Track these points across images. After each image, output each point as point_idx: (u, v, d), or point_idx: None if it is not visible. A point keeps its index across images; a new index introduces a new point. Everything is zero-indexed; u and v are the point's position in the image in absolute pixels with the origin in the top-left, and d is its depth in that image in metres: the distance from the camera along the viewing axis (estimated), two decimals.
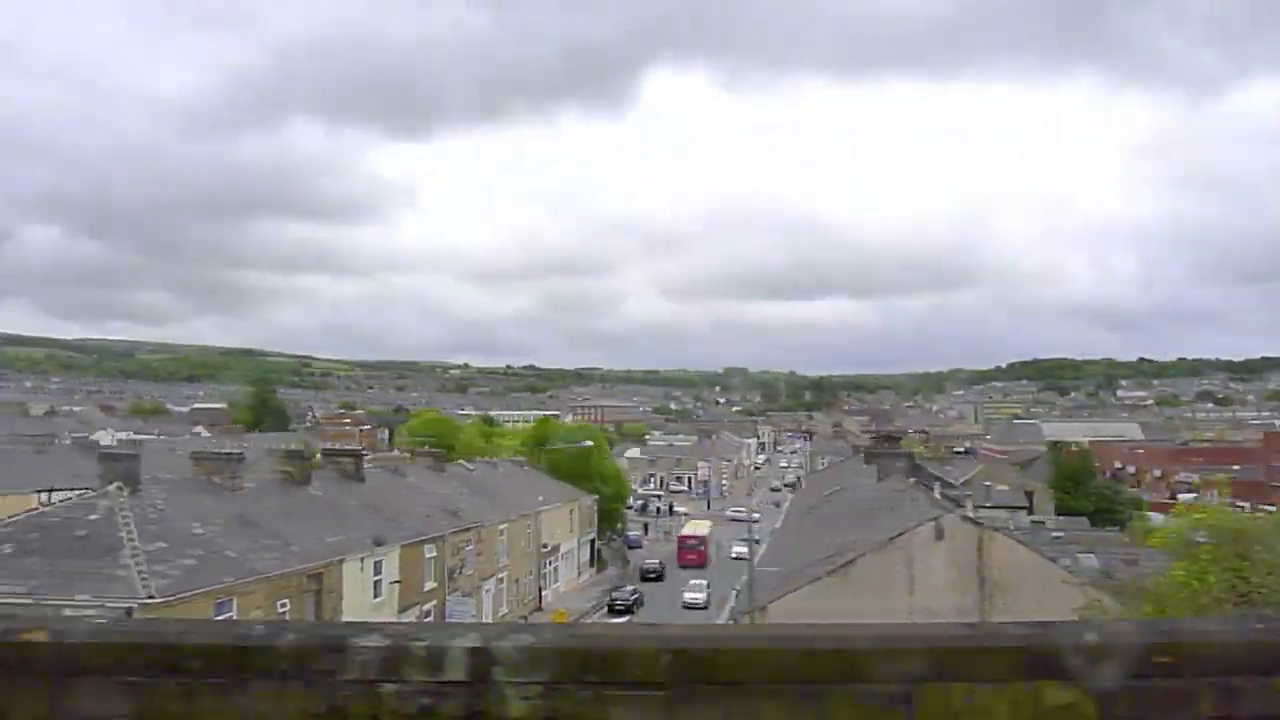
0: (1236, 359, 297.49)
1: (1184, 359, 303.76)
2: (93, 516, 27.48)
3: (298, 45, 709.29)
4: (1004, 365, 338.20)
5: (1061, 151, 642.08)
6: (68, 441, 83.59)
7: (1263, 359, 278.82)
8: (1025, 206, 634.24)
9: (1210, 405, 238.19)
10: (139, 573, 24.76)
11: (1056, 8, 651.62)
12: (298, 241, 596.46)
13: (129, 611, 23.55)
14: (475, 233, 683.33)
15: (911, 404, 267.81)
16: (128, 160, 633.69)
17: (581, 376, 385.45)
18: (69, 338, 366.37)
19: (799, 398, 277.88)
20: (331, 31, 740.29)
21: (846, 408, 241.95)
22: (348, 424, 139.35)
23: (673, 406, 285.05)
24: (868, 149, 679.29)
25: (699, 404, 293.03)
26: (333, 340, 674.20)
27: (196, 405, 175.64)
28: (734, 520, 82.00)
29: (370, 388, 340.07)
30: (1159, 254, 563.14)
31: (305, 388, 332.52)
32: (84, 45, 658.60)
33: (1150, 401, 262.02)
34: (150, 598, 23.75)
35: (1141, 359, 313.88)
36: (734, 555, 68.24)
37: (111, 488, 28.98)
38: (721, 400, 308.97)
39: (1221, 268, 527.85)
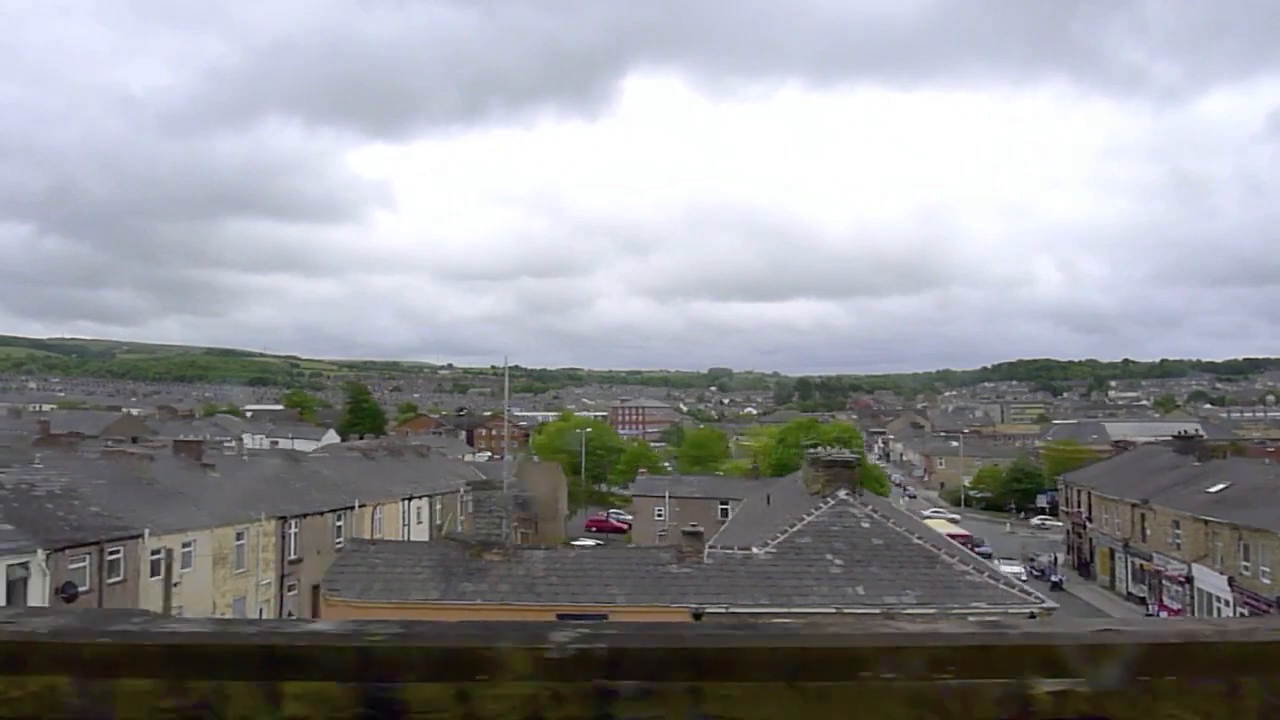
0: (1216, 360, 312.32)
1: (1167, 360, 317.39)
2: (849, 524, 28.08)
3: (274, 44, 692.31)
4: (990, 366, 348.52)
5: (1031, 157, 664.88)
6: (255, 446, 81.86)
7: (1246, 360, 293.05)
8: (999, 211, 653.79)
9: (1207, 405, 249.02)
10: (988, 579, 25.57)
11: (1025, 19, 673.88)
12: (272, 241, 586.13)
13: (1031, 617, 24.45)
14: (451, 234, 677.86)
15: (927, 404, 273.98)
16: (100, 159, 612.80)
17: (574, 377, 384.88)
18: (42, 337, 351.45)
19: (808, 398, 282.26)
20: (309, 31, 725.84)
21: (874, 407, 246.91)
22: (436, 428, 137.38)
23: (682, 408, 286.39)
24: (842, 153, 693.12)
25: (707, 405, 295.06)
26: (307, 340, 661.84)
27: (248, 406, 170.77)
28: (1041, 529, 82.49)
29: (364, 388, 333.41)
30: (1126, 257, 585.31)
31: (296, 387, 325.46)
32: (56, 43, 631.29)
33: (1144, 402, 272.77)
34: (1042, 602, 24.64)
35: (1126, 360, 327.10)
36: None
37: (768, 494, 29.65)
38: (725, 401, 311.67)
39: (1186, 271, 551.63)
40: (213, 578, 36.06)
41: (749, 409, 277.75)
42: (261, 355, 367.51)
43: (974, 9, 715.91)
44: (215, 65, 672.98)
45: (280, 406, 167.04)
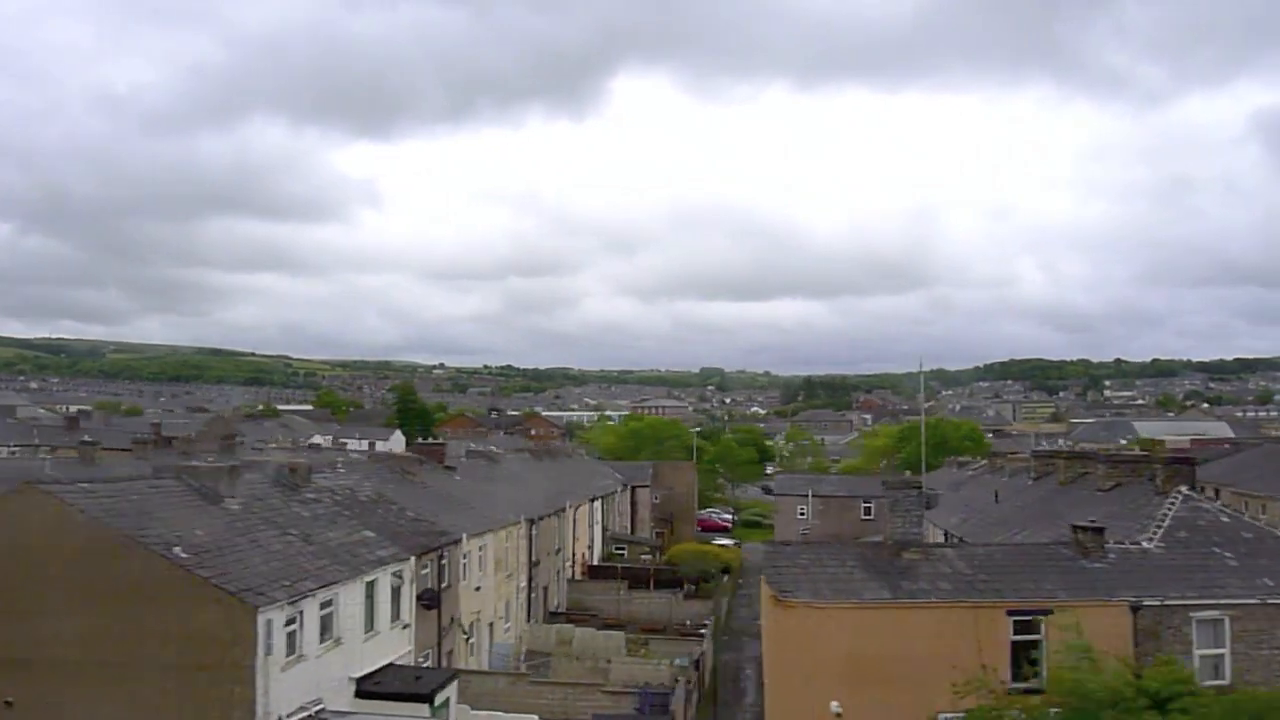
0: (1201, 359, 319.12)
1: (1159, 359, 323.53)
2: (1209, 518, 28.51)
3: (259, 42, 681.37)
4: (983, 365, 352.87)
5: (1015, 158, 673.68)
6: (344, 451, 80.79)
7: (1236, 360, 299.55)
8: (983, 212, 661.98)
9: (1205, 405, 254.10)
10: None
11: (1009, 22, 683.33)
12: (257, 241, 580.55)
13: None
14: (438, 233, 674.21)
15: (933, 403, 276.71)
16: (83, 157, 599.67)
17: (569, 377, 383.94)
18: (25, 337, 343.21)
19: (814, 397, 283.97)
20: (295, 28, 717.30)
21: (889, 406, 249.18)
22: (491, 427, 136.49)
23: (687, 407, 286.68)
24: (829, 154, 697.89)
25: (712, 405, 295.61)
26: (292, 339, 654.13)
27: (281, 407, 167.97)
28: None
29: (360, 388, 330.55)
30: (1108, 258, 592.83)
31: (293, 387, 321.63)
32: (36, 40, 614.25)
33: (1140, 401, 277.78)
34: None
35: (1118, 360, 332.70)
36: None
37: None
38: (728, 400, 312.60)
39: (1168, 272, 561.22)
40: (494, 580, 35.73)
41: (755, 408, 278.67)
42: (252, 355, 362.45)
43: (958, 12, 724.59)
44: (200, 63, 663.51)
45: (309, 407, 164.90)
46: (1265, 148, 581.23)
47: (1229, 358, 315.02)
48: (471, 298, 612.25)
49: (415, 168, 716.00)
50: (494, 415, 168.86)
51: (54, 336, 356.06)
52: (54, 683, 19.81)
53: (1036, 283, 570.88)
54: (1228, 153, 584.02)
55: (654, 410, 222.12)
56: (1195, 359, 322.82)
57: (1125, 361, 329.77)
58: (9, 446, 70.31)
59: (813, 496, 63.95)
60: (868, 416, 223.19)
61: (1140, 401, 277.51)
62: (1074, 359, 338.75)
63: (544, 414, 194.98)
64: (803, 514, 64.08)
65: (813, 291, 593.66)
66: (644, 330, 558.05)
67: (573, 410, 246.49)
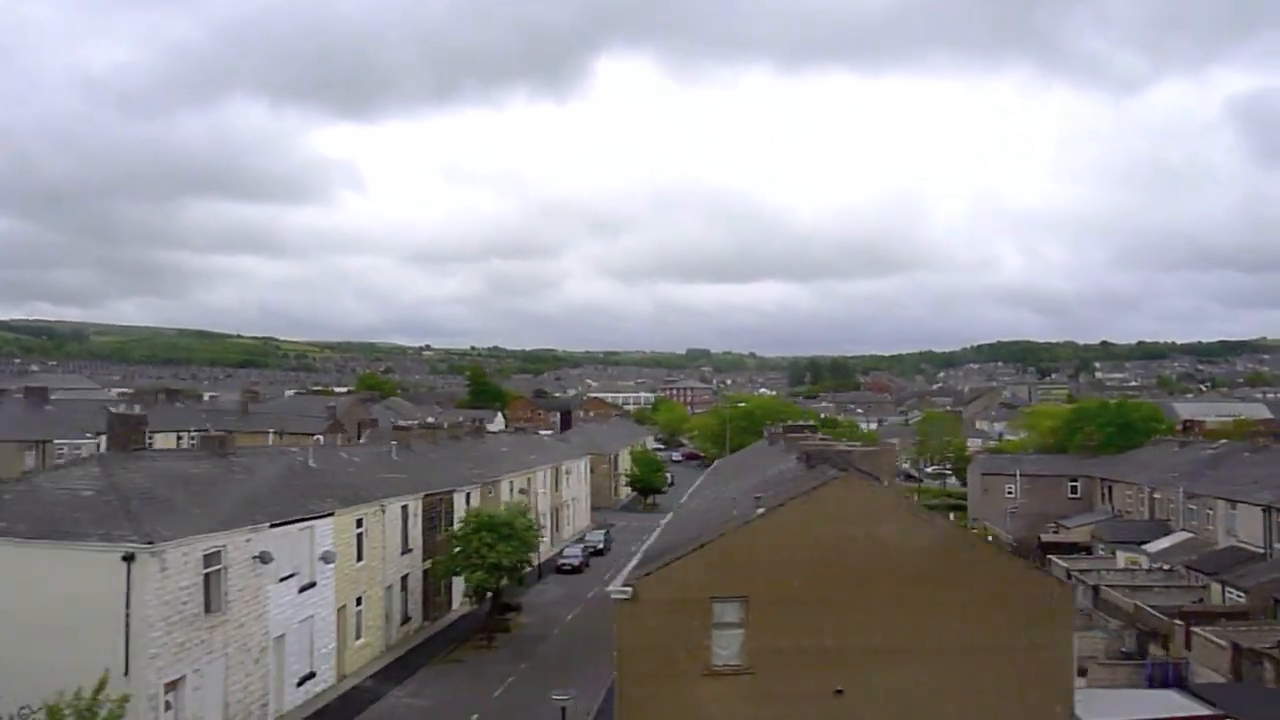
0: (1181, 341, 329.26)
1: (1144, 342, 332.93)
2: None
3: (239, 21, 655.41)
4: (971, 347, 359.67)
5: (995, 144, 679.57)
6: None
7: (1220, 343, 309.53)
8: (964, 196, 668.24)
9: (1201, 386, 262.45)
10: None
11: (990, 7, 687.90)
12: (236, 222, 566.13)
13: None
14: (420, 215, 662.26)
15: (939, 385, 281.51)
16: (56, 138, 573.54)
17: (560, 358, 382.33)
18: (3, 319, 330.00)
19: (821, 379, 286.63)
20: (276, 7, 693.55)
21: (909, 388, 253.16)
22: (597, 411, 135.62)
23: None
24: (812, 138, 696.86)
25: (715, 385, 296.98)
26: (270, 321, 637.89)
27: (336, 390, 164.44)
28: None
29: (352, 370, 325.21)
30: (1086, 242, 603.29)
31: (285, 369, 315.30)
32: (10, 18, 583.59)
33: (1133, 383, 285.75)
34: None
35: (1104, 342, 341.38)
36: None
37: None
38: (729, 382, 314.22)
39: (1144, 256, 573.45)
40: None
41: (761, 390, 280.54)
42: (238, 337, 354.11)
43: None
44: (178, 42, 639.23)
45: (350, 389, 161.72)
46: (1239, 134, 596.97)
47: (1208, 340, 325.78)
48: (452, 280, 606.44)
49: (397, 149, 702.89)
50: (539, 399, 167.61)
51: (31, 318, 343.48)
52: (879, 671, 19.51)
53: (1017, 266, 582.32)
54: (1202, 138, 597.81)
55: (684, 392, 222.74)
56: (1176, 341, 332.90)
57: (1112, 344, 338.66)
58: (188, 432, 67.99)
59: (1020, 476, 65.01)
60: (887, 396, 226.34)
61: (1134, 383, 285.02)
62: (1060, 341, 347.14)
63: (603, 398, 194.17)
64: (1010, 493, 65.14)
65: (794, 274, 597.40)
66: (626, 312, 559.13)
67: (572, 393, 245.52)
